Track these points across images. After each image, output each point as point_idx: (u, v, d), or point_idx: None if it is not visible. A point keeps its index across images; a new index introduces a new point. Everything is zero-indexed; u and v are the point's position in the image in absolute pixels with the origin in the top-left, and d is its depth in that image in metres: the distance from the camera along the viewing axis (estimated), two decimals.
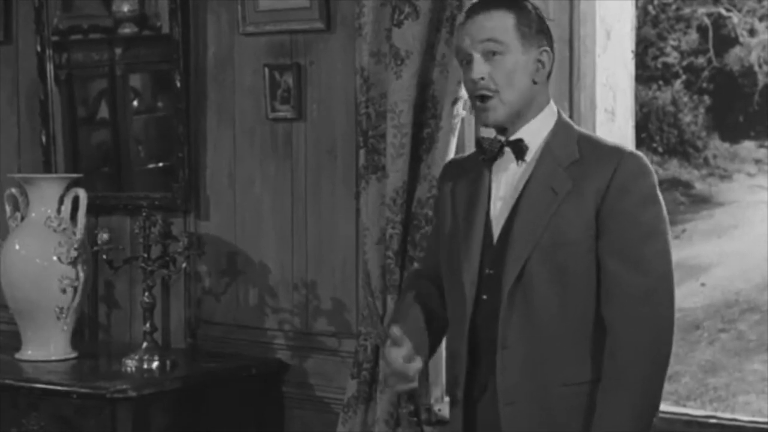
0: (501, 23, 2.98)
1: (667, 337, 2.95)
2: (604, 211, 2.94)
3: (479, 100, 3.01)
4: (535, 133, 3.03)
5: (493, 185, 3.06)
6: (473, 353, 3.04)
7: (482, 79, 2.98)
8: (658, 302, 2.94)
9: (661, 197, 2.99)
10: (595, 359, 2.95)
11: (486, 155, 3.06)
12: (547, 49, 3.04)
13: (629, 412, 2.91)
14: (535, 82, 3.02)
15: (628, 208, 2.94)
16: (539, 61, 3.02)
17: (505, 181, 3.05)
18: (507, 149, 3.04)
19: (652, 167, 3.00)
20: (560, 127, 3.06)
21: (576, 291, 2.96)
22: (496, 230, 3.04)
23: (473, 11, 3.05)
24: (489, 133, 3.12)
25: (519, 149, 3.02)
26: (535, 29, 3.02)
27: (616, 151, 3.01)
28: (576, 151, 3.00)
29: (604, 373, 2.92)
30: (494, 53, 2.98)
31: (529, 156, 3.03)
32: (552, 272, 2.95)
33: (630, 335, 2.91)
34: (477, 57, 2.99)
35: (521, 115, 3.02)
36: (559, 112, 3.09)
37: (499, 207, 3.05)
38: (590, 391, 2.95)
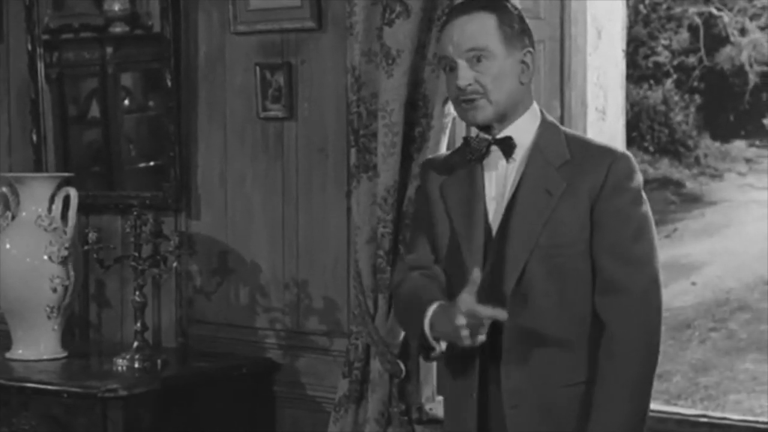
0: (483, 26, 2.98)
1: (658, 334, 2.98)
2: (598, 209, 2.96)
3: (465, 102, 3.01)
4: (522, 131, 3.03)
5: (485, 184, 3.06)
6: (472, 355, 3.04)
7: (469, 85, 2.98)
8: (651, 300, 2.96)
9: (646, 197, 3.03)
10: (592, 359, 2.96)
11: (473, 154, 3.05)
12: (531, 49, 3.04)
13: (628, 409, 2.93)
14: (521, 83, 3.02)
15: (622, 207, 2.96)
16: (523, 62, 3.02)
17: (496, 181, 3.05)
18: (494, 147, 3.04)
19: (638, 167, 3.03)
20: (546, 126, 3.07)
21: (574, 291, 2.97)
22: (493, 231, 3.04)
23: (454, 13, 3.04)
24: (475, 131, 3.12)
25: (508, 147, 3.02)
26: (518, 30, 3.02)
27: (608, 152, 3.03)
28: (566, 152, 3.01)
29: (602, 372, 2.93)
30: (479, 59, 2.97)
31: (518, 155, 3.03)
32: (551, 273, 2.96)
33: (628, 332, 2.93)
34: (462, 64, 2.98)
35: (507, 115, 3.02)
36: (542, 112, 3.10)
37: (493, 208, 3.05)
38: (589, 390, 2.96)
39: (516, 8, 3.07)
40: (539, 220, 2.96)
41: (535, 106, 3.09)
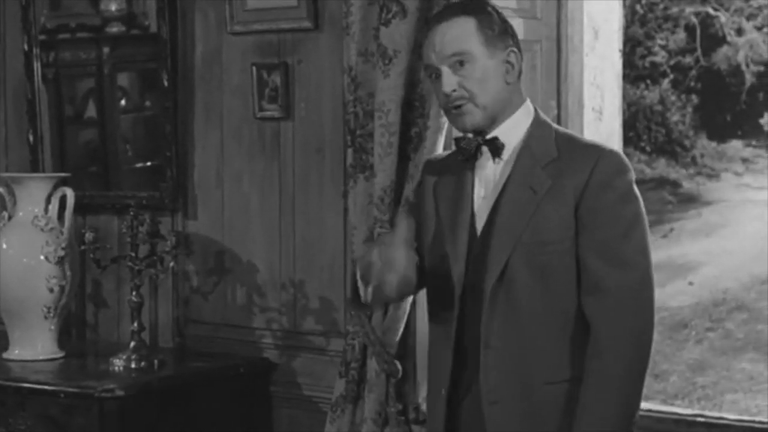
0: (463, 30, 2.99)
1: (649, 333, 2.96)
2: (584, 208, 2.95)
3: (454, 109, 3.02)
4: (511, 131, 3.04)
5: (475, 185, 3.07)
6: (458, 353, 3.04)
7: (454, 91, 2.99)
8: (640, 298, 2.95)
9: (639, 194, 3.00)
10: (576, 357, 2.96)
11: (464, 155, 3.07)
12: (514, 49, 3.05)
13: (614, 409, 2.92)
14: (507, 83, 3.03)
15: (608, 205, 2.95)
16: (508, 62, 3.03)
17: (485, 180, 3.06)
18: (485, 148, 3.04)
19: (630, 164, 3.02)
20: (537, 125, 3.07)
21: (557, 289, 2.96)
22: (479, 229, 3.05)
23: (435, 20, 3.06)
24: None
25: (495, 147, 3.03)
26: (498, 31, 3.02)
27: (595, 149, 3.03)
28: (554, 150, 3.01)
29: (588, 371, 2.93)
30: (461, 63, 2.98)
31: (507, 154, 3.04)
32: (533, 271, 2.96)
33: (614, 333, 2.92)
34: (445, 70, 3.00)
35: (497, 116, 3.03)
36: (536, 111, 3.10)
37: (480, 206, 3.06)
38: (571, 389, 2.95)
39: (496, 10, 3.07)
40: (523, 218, 2.96)
41: (528, 104, 3.09)
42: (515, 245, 2.96)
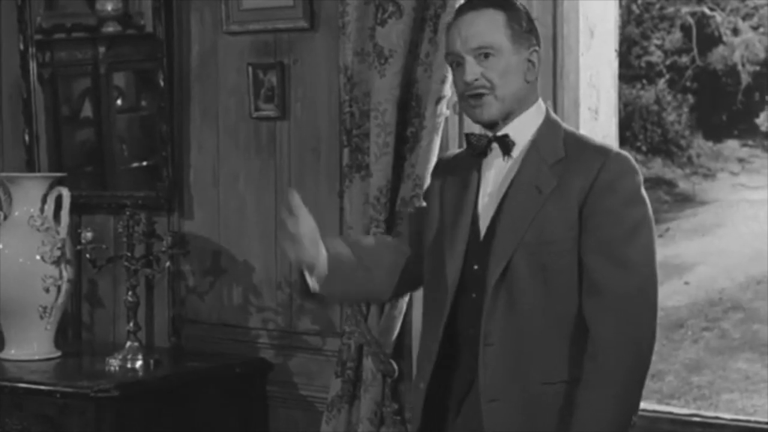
0: (492, 23, 2.99)
1: (650, 337, 2.94)
2: (588, 209, 2.94)
3: (472, 98, 3.02)
4: (522, 129, 3.04)
5: (482, 182, 3.08)
6: (455, 351, 3.04)
7: (476, 80, 2.99)
8: (642, 301, 2.93)
9: (646, 197, 2.99)
10: (575, 359, 2.95)
11: (474, 151, 3.07)
12: (537, 48, 3.06)
13: (611, 412, 2.90)
14: (527, 81, 3.03)
15: (613, 207, 2.94)
16: (530, 60, 3.03)
17: (493, 177, 3.06)
18: (495, 145, 3.05)
19: (638, 167, 3.01)
20: (547, 124, 3.07)
21: (558, 289, 2.96)
22: (483, 227, 3.04)
23: (463, 10, 3.05)
24: (477, 129, 3.13)
25: (505, 145, 3.03)
26: (525, 28, 3.03)
27: (602, 150, 3.02)
28: (562, 150, 3.01)
29: (586, 373, 2.91)
30: (486, 55, 2.99)
31: (516, 152, 3.04)
32: (535, 270, 2.95)
33: (613, 335, 2.90)
34: (469, 59, 3.00)
35: (512, 113, 3.03)
36: (547, 110, 3.10)
37: (485, 203, 3.06)
38: (569, 390, 2.94)
39: (524, 7, 3.08)
40: (527, 217, 2.96)
41: (540, 103, 3.09)
42: (518, 244, 2.96)
